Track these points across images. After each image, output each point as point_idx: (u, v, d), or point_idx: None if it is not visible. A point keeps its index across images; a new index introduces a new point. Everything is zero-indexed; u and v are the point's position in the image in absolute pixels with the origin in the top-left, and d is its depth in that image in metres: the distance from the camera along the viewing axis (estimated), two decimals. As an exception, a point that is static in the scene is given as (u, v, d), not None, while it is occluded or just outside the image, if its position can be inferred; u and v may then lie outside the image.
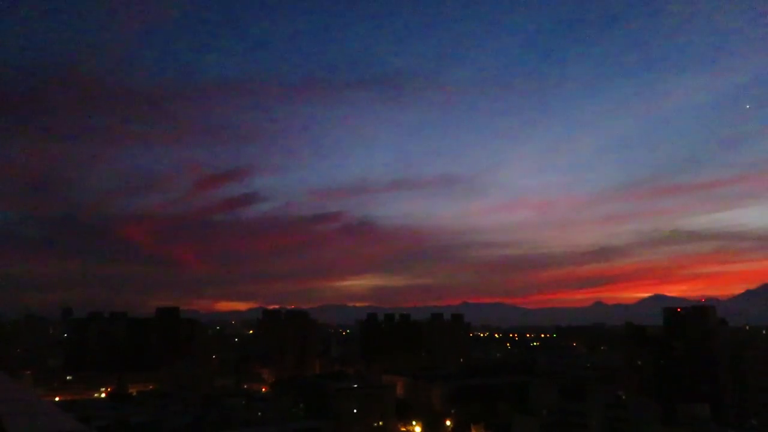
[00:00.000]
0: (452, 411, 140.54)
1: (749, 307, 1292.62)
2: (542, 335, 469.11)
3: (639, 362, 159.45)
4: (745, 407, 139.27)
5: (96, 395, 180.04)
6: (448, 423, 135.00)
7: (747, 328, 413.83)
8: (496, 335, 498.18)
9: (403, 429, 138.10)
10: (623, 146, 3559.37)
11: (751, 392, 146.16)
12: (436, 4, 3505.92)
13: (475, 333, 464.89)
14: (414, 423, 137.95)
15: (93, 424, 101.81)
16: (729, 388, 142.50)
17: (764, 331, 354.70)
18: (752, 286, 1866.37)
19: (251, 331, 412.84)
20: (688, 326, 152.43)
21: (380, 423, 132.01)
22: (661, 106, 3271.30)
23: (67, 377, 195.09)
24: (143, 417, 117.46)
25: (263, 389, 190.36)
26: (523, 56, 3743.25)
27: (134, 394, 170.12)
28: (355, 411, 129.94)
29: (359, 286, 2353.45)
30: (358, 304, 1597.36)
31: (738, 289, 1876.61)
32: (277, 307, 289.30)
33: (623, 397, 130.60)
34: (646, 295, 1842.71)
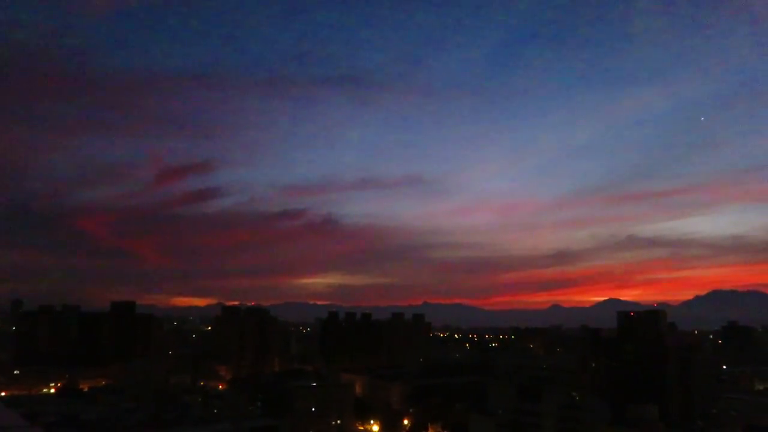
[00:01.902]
0: (410, 410, 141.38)
1: (698, 312, 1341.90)
2: (501, 336, 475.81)
3: (593, 364, 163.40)
4: (691, 409, 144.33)
5: (45, 391, 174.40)
6: (406, 422, 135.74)
7: (695, 332, 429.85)
8: (456, 335, 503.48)
9: (361, 428, 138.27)
10: (583, 153, 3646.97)
11: (696, 395, 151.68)
12: (407, 5, 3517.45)
13: (436, 333, 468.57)
14: (372, 422, 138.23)
15: (40, 421, 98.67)
16: (676, 391, 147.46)
17: (711, 336, 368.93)
18: (701, 292, 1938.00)
19: (209, 328, 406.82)
20: (640, 330, 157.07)
21: (338, 421, 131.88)
22: (619, 115, 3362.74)
23: (15, 372, 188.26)
24: (94, 413, 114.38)
25: (220, 386, 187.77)
26: (490, 62, 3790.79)
27: (85, 390, 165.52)
28: (313, 409, 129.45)
29: (321, 284, 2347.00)
30: (319, 302, 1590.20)
31: (688, 295, 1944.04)
32: (236, 303, 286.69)
33: (577, 398, 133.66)
34: (601, 298, 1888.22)
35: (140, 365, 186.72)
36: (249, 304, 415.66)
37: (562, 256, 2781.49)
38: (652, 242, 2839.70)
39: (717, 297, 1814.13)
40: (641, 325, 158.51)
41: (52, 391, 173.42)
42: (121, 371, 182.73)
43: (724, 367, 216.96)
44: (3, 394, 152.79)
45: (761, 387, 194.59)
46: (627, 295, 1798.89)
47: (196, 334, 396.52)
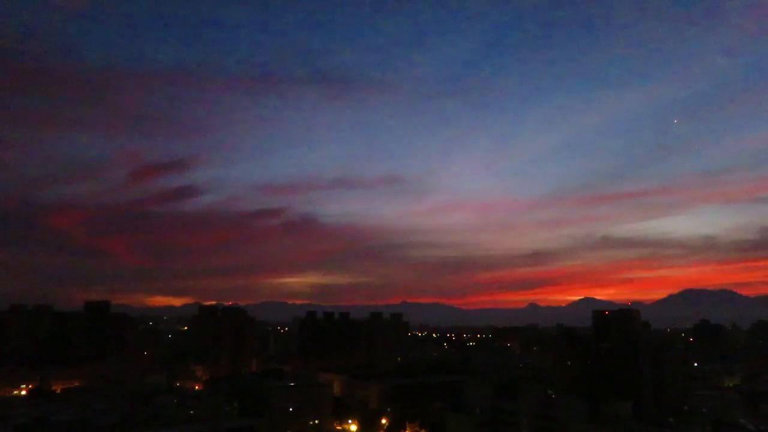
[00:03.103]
0: (388, 409, 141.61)
1: (671, 311, 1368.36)
2: (478, 335, 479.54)
3: (569, 362, 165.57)
4: (664, 405, 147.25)
5: (16, 392, 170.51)
6: (383, 421, 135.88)
7: (668, 330, 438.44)
8: (434, 335, 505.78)
9: (339, 427, 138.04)
10: (560, 155, 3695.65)
11: (669, 391, 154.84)
12: (387, 6, 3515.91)
13: (414, 332, 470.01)
14: (350, 421, 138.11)
15: (10, 423, 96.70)
16: (649, 388, 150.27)
17: (683, 334, 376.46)
18: (674, 291, 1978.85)
19: (186, 328, 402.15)
20: (615, 328, 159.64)
21: (316, 421, 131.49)
22: (595, 118, 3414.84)
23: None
24: (66, 415, 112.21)
25: (197, 387, 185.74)
26: (469, 64, 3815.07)
27: (58, 391, 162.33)
28: (290, 409, 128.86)
29: (299, 283, 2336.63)
30: (297, 302, 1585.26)
31: (661, 294, 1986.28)
32: (213, 303, 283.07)
33: (553, 396, 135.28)
34: (577, 298, 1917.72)
35: (114, 366, 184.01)
36: (226, 303, 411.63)
37: (538, 256, 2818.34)
38: (627, 242, 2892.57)
39: (689, 296, 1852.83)
40: (616, 324, 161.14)
41: (23, 392, 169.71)
42: (94, 372, 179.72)
43: (696, 364, 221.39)
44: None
45: (730, 384, 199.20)
46: (602, 294, 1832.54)
47: (172, 334, 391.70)
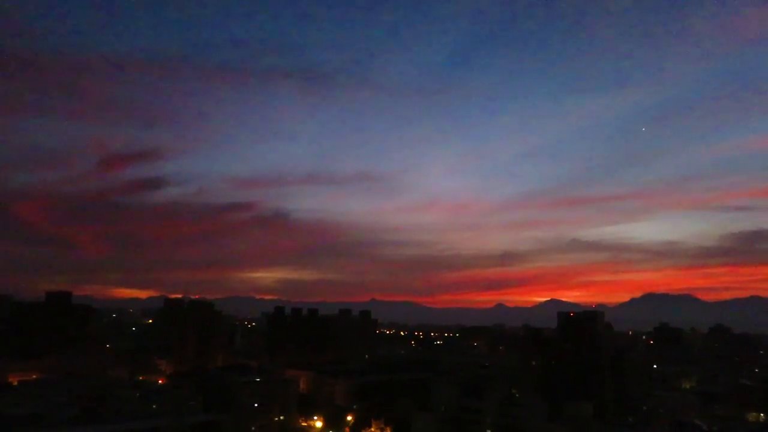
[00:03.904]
0: (354, 406, 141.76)
1: (633, 313, 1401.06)
2: (446, 334, 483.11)
3: (534, 362, 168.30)
4: (624, 405, 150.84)
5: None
6: (349, 418, 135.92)
7: (630, 333, 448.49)
8: (402, 333, 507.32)
9: (305, 423, 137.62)
10: (531, 158, 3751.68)
11: (629, 392, 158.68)
12: (366, 5, 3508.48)
13: (382, 330, 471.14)
14: (316, 418, 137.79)
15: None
16: (611, 388, 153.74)
17: (644, 336, 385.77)
18: (637, 294, 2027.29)
19: (150, 321, 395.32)
20: (579, 330, 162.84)
21: (281, 417, 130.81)
22: (567, 123, 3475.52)
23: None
24: (23, 408, 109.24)
25: (160, 381, 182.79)
26: (445, 64, 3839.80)
27: (15, 383, 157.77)
28: (255, 405, 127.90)
29: (268, 278, 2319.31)
30: (266, 297, 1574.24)
31: (625, 297, 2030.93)
32: (180, 296, 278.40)
33: (517, 396, 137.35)
34: (543, 299, 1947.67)
35: (75, 358, 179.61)
36: (193, 297, 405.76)
37: (507, 257, 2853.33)
38: (593, 246, 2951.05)
39: (651, 299, 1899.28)
40: (580, 326, 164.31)
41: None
42: (54, 364, 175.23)
43: (655, 366, 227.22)
44: None
45: (688, 385, 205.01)
46: (568, 296, 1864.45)
47: (137, 327, 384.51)
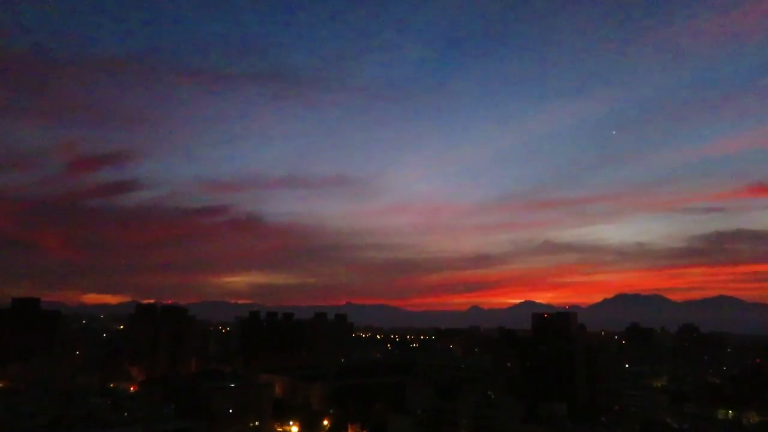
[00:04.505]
0: (330, 411, 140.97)
1: (605, 314, 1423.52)
2: (422, 337, 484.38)
3: (509, 364, 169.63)
4: (597, 405, 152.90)
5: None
6: (325, 422, 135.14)
7: (602, 333, 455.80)
8: (378, 336, 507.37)
9: (280, 429, 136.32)
10: (504, 161, 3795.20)
11: (601, 392, 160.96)
12: (339, 5, 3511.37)
13: (358, 333, 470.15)
14: (291, 423, 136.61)
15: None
16: (584, 388, 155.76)
17: (616, 337, 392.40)
18: (609, 295, 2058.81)
19: (122, 327, 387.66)
20: (552, 331, 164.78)
21: (256, 423, 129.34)
22: (540, 126, 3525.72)
23: None
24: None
25: (132, 388, 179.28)
26: (420, 68, 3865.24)
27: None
28: (230, 411, 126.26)
29: (243, 282, 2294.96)
30: (240, 301, 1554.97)
31: (597, 298, 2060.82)
32: (152, 301, 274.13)
33: (492, 397, 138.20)
34: (518, 301, 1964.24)
35: (43, 365, 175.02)
36: (166, 302, 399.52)
37: (482, 260, 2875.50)
38: (566, 248, 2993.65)
39: (622, 300, 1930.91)
40: (554, 327, 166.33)
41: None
42: (20, 372, 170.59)
43: (627, 365, 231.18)
44: None
45: (658, 384, 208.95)
46: (542, 298, 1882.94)
47: (107, 333, 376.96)
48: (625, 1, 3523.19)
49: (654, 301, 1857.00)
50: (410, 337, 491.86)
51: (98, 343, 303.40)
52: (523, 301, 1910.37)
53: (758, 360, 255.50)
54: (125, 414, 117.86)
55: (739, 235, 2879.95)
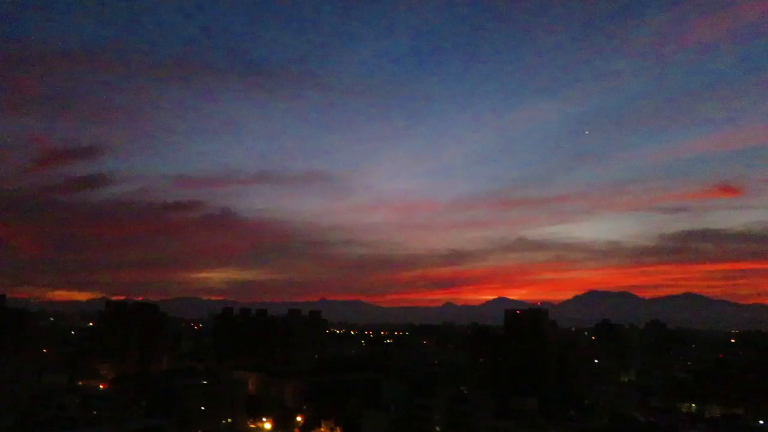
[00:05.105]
0: (304, 407, 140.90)
1: (576, 311, 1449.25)
2: (396, 333, 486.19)
3: (482, 359, 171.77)
4: (567, 400, 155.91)
5: None
6: (299, 419, 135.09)
7: (573, 329, 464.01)
8: (352, 332, 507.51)
9: (253, 426, 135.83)
10: (479, 159, 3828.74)
11: (572, 386, 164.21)
12: (319, 3, 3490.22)
13: (332, 330, 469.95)
14: (265, 420, 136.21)
15: None
16: (554, 383, 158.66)
17: (586, 333, 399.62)
18: (580, 292, 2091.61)
19: (91, 324, 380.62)
20: (525, 327, 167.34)
21: (229, 420, 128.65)
22: (514, 124, 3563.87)
23: None
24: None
25: (102, 386, 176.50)
26: (397, 64, 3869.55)
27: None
28: (202, 408, 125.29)
29: (216, 279, 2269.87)
30: (213, 298, 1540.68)
31: (568, 295, 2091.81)
32: (123, 298, 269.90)
33: (465, 392, 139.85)
34: (491, 297, 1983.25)
35: (8, 365, 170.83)
36: (137, 299, 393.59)
37: (456, 256, 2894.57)
38: (539, 245, 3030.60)
39: (593, 297, 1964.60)
40: (526, 323, 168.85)
41: None
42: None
43: (596, 361, 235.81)
44: None
45: (626, 378, 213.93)
46: (514, 294, 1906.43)
47: (76, 330, 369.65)
48: (599, 2, 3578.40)
49: (623, 297, 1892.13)
50: (384, 333, 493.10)
51: (67, 341, 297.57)
52: (496, 297, 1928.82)
53: (721, 355, 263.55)
54: (95, 412, 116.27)
55: (705, 235, 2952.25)
